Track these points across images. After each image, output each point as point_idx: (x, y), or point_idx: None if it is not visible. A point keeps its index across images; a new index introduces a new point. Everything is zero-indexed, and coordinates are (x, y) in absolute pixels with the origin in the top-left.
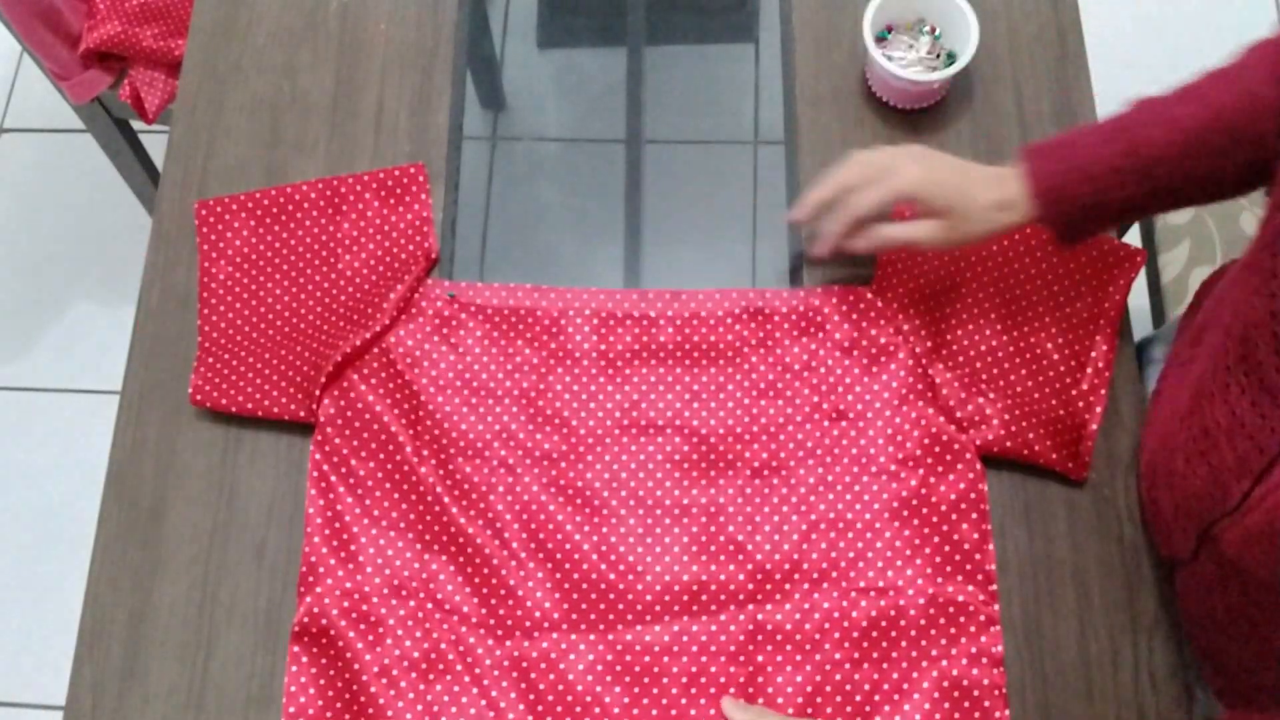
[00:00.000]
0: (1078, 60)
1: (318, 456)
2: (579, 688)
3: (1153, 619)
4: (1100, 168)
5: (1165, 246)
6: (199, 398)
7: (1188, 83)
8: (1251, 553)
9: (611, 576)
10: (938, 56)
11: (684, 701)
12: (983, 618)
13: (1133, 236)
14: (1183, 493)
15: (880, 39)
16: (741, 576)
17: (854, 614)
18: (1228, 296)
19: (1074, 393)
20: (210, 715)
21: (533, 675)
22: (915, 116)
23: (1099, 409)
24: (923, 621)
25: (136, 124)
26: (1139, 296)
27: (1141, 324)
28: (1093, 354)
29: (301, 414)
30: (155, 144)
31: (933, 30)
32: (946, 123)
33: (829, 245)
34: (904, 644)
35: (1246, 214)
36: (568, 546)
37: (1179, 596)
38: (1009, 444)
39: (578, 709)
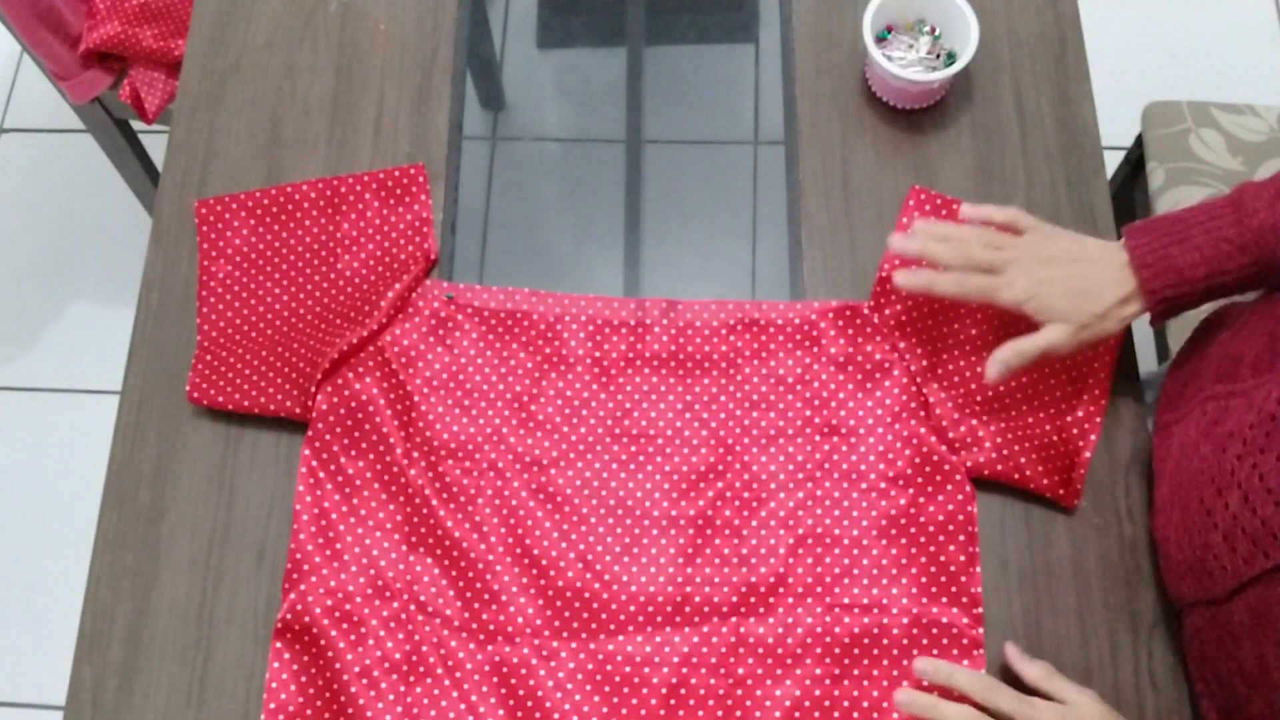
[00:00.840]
0: (1078, 60)
1: (308, 454)
2: (558, 695)
3: (1153, 619)
4: (1205, 238)
5: None
6: (196, 395)
7: None
8: None
9: (595, 585)
10: (938, 56)
11: (663, 713)
12: (966, 641)
13: None
14: (1229, 534)
15: (880, 39)
16: (726, 589)
17: (837, 630)
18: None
19: (1069, 419)
20: (210, 715)
21: (513, 681)
22: (915, 116)
23: (1093, 436)
24: (905, 641)
25: (136, 124)
26: None
27: (1140, 323)
28: (1089, 380)
29: (298, 411)
30: (155, 144)
31: (933, 30)
32: (946, 123)
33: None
34: (885, 663)
35: None
36: (553, 553)
37: (1190, 641)
38: (1000, 467)
39: (556, 716)
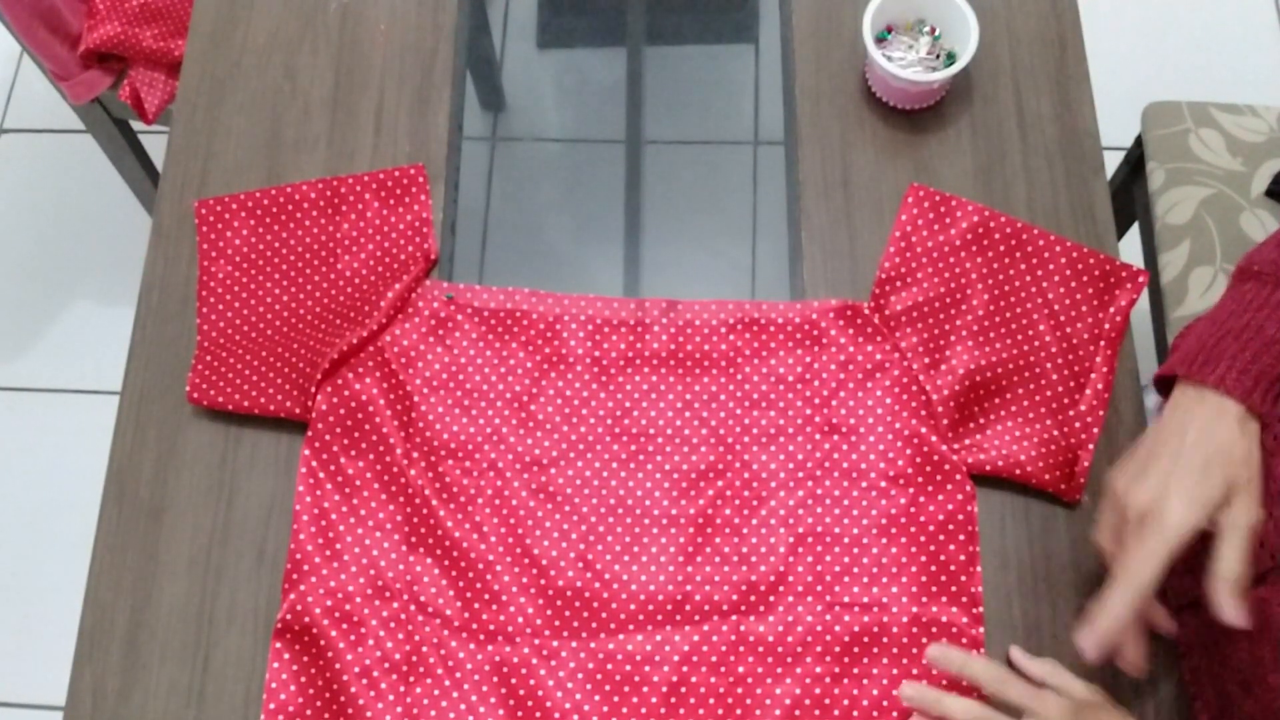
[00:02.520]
0: (1078, 60)
1: (308, 453)
2: (559, 694)
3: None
4: (1259, 347)
5: (1165, 246)
6: (196, 395)
7: None
8: None
9: (596, 584)
10: (938, 56)
11: (663, 711)
12: (966, 640)
13: (1134, 236)
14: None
15: (880, 39)
16: (726, 587)
17: (837, 629)
18: None
19: (1071, 414)
20: (210, 715)
21: (513, 680)
22: (915, 116)
23: (1096, 430)
24: (905, 640)
25: (136, 124)
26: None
27: (1141, 321)
28: (1092, 375)
29: (298, 412)
30: (155, 144)
31: (933, 30)
32: (946, 123)
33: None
34: (885, 661)
35: (1247, 214)
36: (553, 553)
37: (1185, 641)
38: (1002, 464)
39: (556, 716)
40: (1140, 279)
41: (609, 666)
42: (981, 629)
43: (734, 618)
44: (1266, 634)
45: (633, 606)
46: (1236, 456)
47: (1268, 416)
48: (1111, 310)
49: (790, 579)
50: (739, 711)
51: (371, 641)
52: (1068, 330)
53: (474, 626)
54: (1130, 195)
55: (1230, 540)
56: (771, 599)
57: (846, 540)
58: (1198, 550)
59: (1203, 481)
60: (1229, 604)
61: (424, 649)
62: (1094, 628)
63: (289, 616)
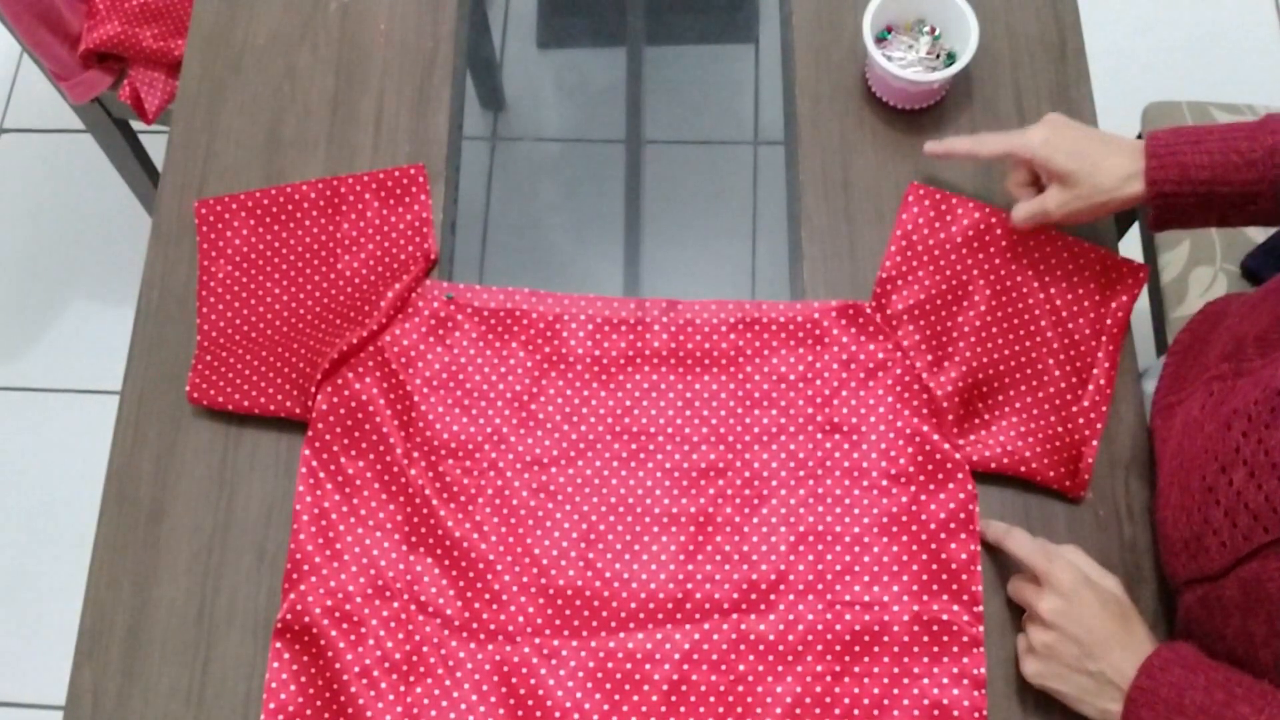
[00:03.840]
0: (1078, 60)
1: (308, 453)
2: (559, 693)
3: (1152, 618)
4: (1221, 145)
5: (1165, 246)
6: (196, 395)
7: None
8: None
9: (597, 583)
10: (938, 56)
11: (664, 710)
12: (966, 638)
13: (1134, 236)
14: (1231, 510)
15: (880, 39)
16: (727, 586)
17: (838, 627)
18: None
19: (1074, 409)
20: (210, 715)
21: (513, 680)
22: (915, 116)
23: (1099, 426)
24: (906, 638)
25: (136, 124)
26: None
27: (1141, 322)
28: (1094, 371)
29: (298, 412)
30: (155, 144)
31: (933, 30)
32: (946, 123)
33: (943, 149)
34: (886, 660)
35: None
36: (554, 552)
37: (1180, 624)
38: (1006, 461)
39: (557, 715)
40: (1141, 274)
41: (610, 665)
42: (982, 627)
43: (735, 616)
44: (1259, 609)
45: (633, 605)
46: (1099, 176)
47: (1154, 199)
48: (1113, 305)
49: (791, 577)
50: (739, 710)
51: (371, 641)
52: (1069, 326)
53: (474, 626)
54: None
55: (1030, 207)
56: (772, 597)
57: (847, 539)
58: (1189, 537)
59: (1069, 151)
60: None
61: (424, 649)
62: (943, 144)
63: (289, 616)
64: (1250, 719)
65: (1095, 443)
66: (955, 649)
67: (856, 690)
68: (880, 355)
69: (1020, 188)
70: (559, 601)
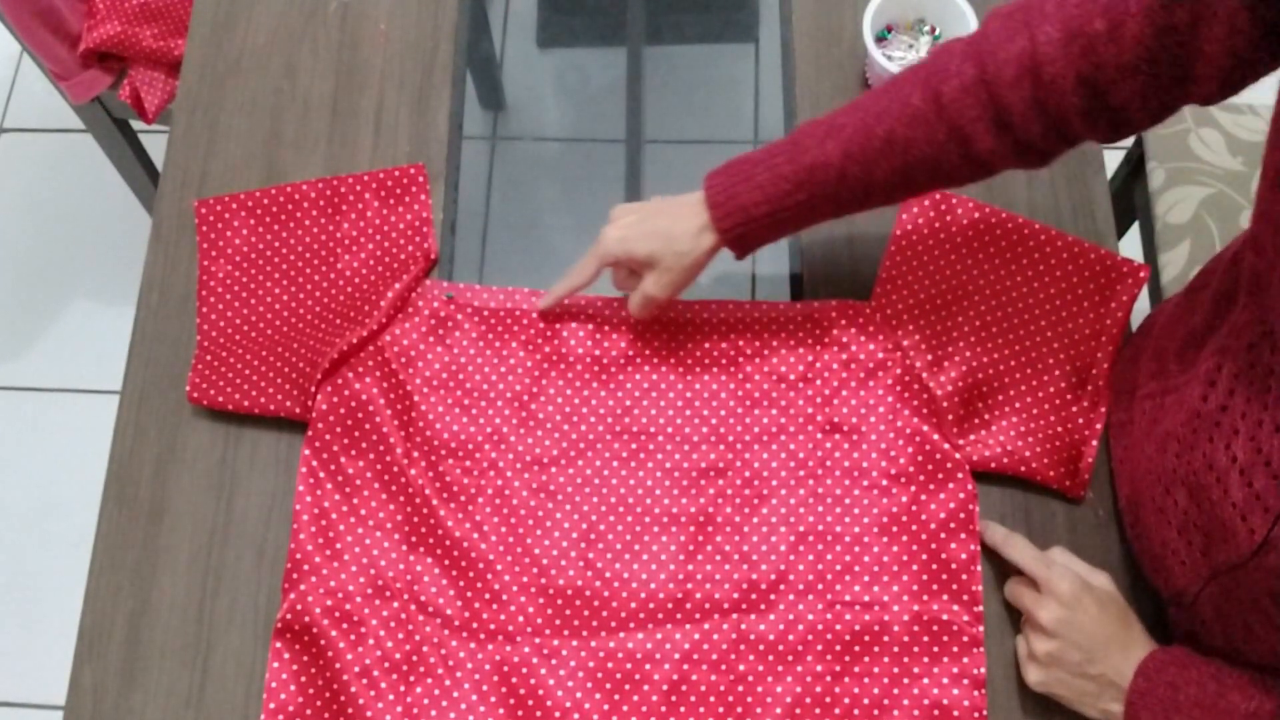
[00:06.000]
0: None
1: (308, 453)
2: (559, 693)
3: (1152, 618)
4: (768, 175)
5: (1165, 246)
6: (196, 395)
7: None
8: (1274, 598)
9: (597, 583)
10: None
11: (664, 709)
12: (966, 638)
13: (1134, 236)
14: (1184, 530)
15: (880, 39)
16: (727, 586)
17: (838, 627)
18: (1238, 317)
19: (1074, 409)
20: (210, 715)
21: (513, 680)
22: None
23: (1099, 426)
24: (906, 638)
25: (136, 124)
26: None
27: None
28: (1094, 371)
29: (298, 411)
30: (155, 144)
31: (933, 30)
32: None
33: (550, 301)
34: (886, 660)
35: (1247, 213)
36: (554, 552)
37: (1172, 627)
38: (1006, 460)
39: (557, 714)
40: (1141, 274)
41: (609, 665)
42: (981, 627)
43: (735, 616)
44: (1234, 619)
45: (633, 605)
46: (676, 245)
47: (729, 243)
48: (1113, 305)
49: (791, 577)
50: (739, 709)
51: (371, 641)
52: (1069, 326)
53: (474, 626)
54: (1130, 195)
55: (636, 297)
56: (772, 597)
57: (847, 539)
58: (1153, 559)
59: (642, 237)
60: (549, 298)
61: (424, 649)
62: (549, 295)
63: (289, 616)
64: (1240, 706)
65: (1095, 443)
66: (955, 649)
67: (856, 690)
68: (880, 355)
69: (625, 282)
70: (559, 601)
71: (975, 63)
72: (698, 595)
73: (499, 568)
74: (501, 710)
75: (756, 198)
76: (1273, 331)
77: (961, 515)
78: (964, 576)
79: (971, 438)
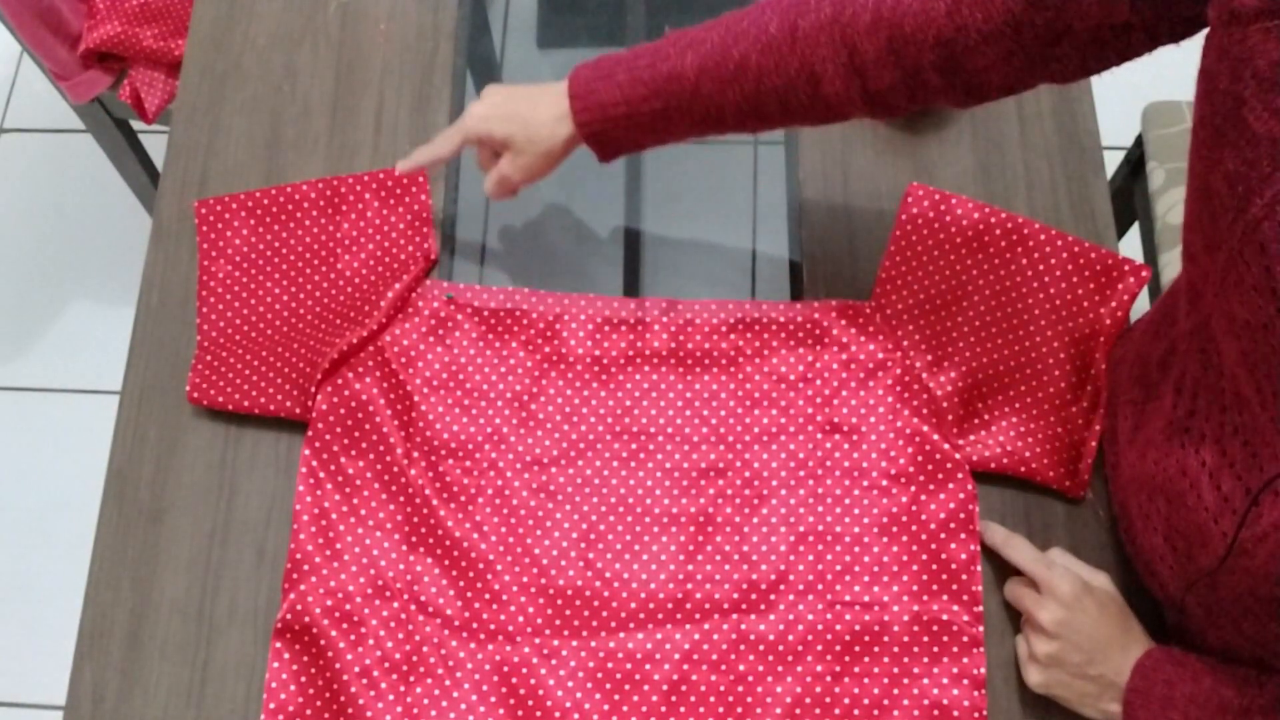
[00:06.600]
0: None
1: (308, 453)
2: (559, 693)
3: (1152, 618)
4: (627, 77)
5: (1165, 246)
6: (196, 395)
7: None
8: (1257, 600)
9: (597, 583)
10: None
11: (664, 710)
12: (966, 639)
13: (1133, 235)
14: (1168, 536)
15: None
16: (727, 586)
17: (838, 627)
18: (1188, 322)
19: (1074, 409)
20: (210, 715)
21: (513, 680)
22: (915, 116)
23: (1098, 426)
24: (906, 639)
25: (136, 124)
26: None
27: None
28: (1093, 371)
29: (298, 411)
30: (155, 144)
31: None
32: (946, 123)
33: (409, 167)
34: (886, 660)
35: None
36: (554, 552)
37: (1170, 634)
38: (1006, 461)
39: (557, 714)
40: (1142, 274)
41: (609, 665)
42: (981, 627)
43: (735, 616)
44: (1222, 621)
45: (633, 605)
46: (532, 130)
47: (585, 138)
48: (1113, 305)
49: (791, 578)
50: (739, 710)
51: (371, 641)
52: (1069, 325)
53: (474, 626)
54: (1130, 195)
55: (492, 174)
56: (772, 598)
57: (847, 539)
58: (1143, 564)
59: (502, 119)
60: (408, 163)
61: (424, 649)
62: (409, 160)
63: (289, 616)
64: (1235, 701)
65: (1095, 443)
66: (955, 649)
67: (856, 690)
68: (880, 355)
69: (487, 161)
70: (559, 601)
71: (834, 1)
72: (698, 595)
73: (499, 568)
74: (501, 710)
75: (615, 97)
76: (1214, 336)
77: (961, 515)
78: (964, 577)
79: (971, 438)
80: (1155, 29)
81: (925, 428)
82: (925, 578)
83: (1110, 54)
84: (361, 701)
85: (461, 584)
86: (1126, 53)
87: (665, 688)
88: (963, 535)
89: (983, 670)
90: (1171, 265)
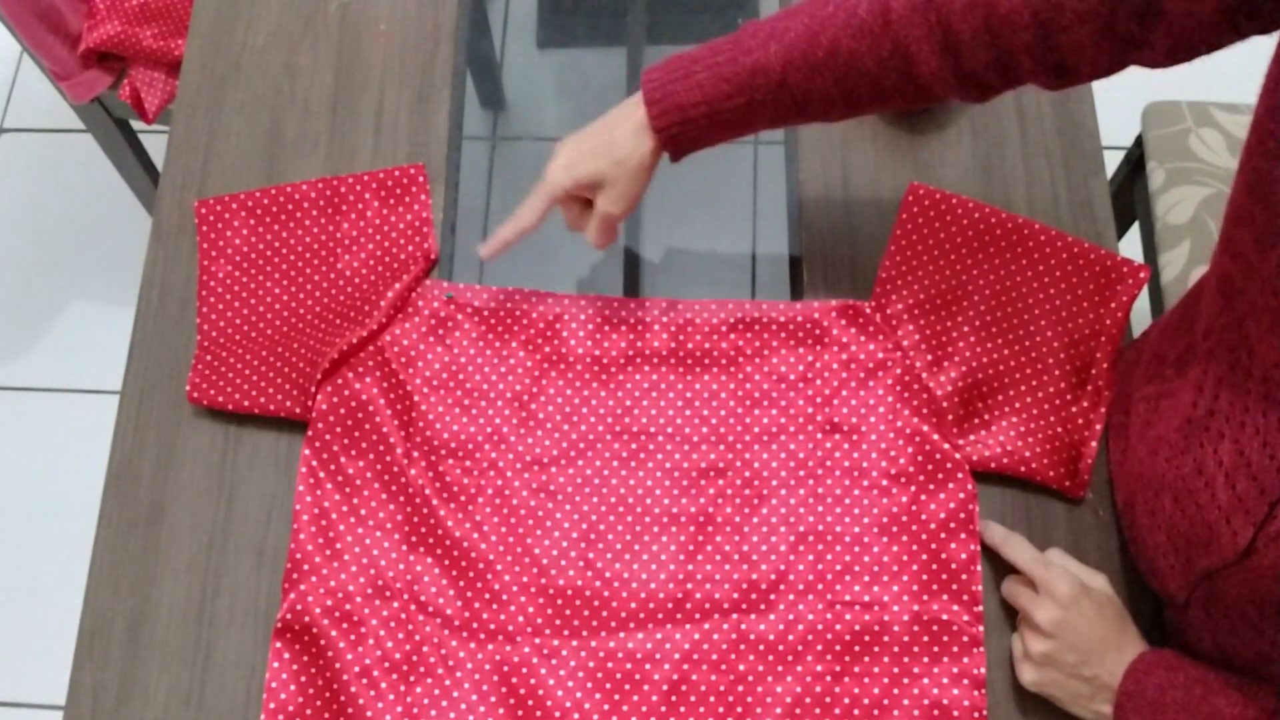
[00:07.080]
0: None
1: (308, 453)
2: (559, 693)
3: (1152, 619)
4: (708, 75)
5: (1165, 246)
6: (196, 395)
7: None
8: (1259, 602)
9: (597, 583)
10: None
11: (664, 710)
12: (966, 638)
13: (1133, 235)
14: (1171, 534)
15: None
16: (727, 586)
17: (838, 627)
18: (1217, 320)
19: (1074, 410)
20: (210, 715)
21: (513, 680)
22: (915, 116)
23: (1098, 426)
24: (906, 638)
25: (136, 124)
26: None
27: (1141, 322)
28: (1093, 371)
29: (298, 411)
30: (155, 144)
31: None
32: (946, 123)
33: (495, 247)
34: (886, 660)
35: None
36: (554, 552)
37: (1169, 635)
38: (1006, 461)
39: (557, 714)
40: (1141, 274)
41: (609, 665)
42: (981, 627)
43: (734, 616)
44: (1220, 624)
45: (633, 605)
46: (616, 152)
47: (665, 144)
48: (1113, 305)
49: (791, 577)
50: (739, 710)
51: (371, 641)
52: (1069, 325)
53: (474, 626)
54: (1130, 195)
55: (593, 222)
56: (772, 597)
57: (847, 539)
58: (1146, 561)
59: (583, 158)
60: (494, 242)
61: (424, 649)
62: (493, 240)
63: (289, 616)
64: (1226, 711)
65: (1095, 443)
66: (955, 649)
67: (856, 690)
68: (880, 355)
69: (577, 220)
70: (559, 601)
71: None
72: (698, 595)
73: (499, 568)
74: (501, 710)
75: (695, 97)
76: (1249, 335)
77: (961, 515)
78: (964, 576)
79: (971, 438)
80: (1241, 13)
81: (925, 427)
82: (925, 578)
83: (1198, 41)
84: (361, 701)
85: (461, 584)
86: (1215, 40)
87: (665, 688)
88: (963, 535)
89: (983, 670)
90: (1171, 265)
